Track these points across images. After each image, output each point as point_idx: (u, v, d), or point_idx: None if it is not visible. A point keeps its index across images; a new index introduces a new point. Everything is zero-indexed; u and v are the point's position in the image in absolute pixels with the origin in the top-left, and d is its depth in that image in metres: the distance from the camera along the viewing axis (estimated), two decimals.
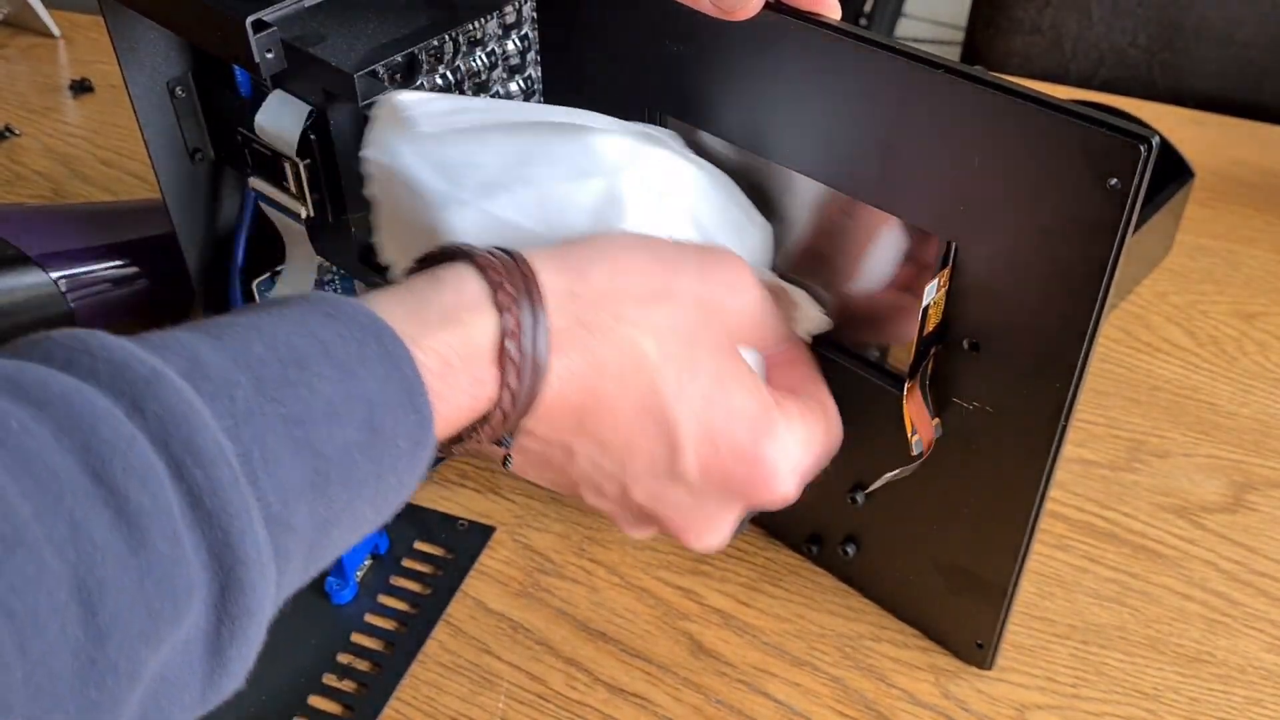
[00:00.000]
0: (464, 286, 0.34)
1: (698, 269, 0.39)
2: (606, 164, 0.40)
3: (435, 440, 0.33)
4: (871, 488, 0.44)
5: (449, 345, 0.33)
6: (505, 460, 0.39)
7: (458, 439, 0.36)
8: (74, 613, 0.24)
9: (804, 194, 0.44)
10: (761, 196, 0.45)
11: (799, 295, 0.44)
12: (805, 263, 0.45)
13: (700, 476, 0.39)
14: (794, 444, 0.41)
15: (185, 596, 0.26)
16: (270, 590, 0.29)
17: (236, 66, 0.50)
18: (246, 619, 0.28)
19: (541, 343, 0.34)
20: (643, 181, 0.40)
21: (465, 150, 0.40)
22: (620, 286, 0.36)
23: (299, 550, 0.30)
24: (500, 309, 0.34)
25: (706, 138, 0.45)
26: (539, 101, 0.51)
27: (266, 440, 0.29)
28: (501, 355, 0.34)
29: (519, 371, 0.34)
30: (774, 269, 0.46)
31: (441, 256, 0.37)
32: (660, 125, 0.46)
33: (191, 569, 0.27)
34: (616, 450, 0.38)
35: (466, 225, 0.40)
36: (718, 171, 0.43)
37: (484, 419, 0.35)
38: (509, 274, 0.35)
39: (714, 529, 0.42)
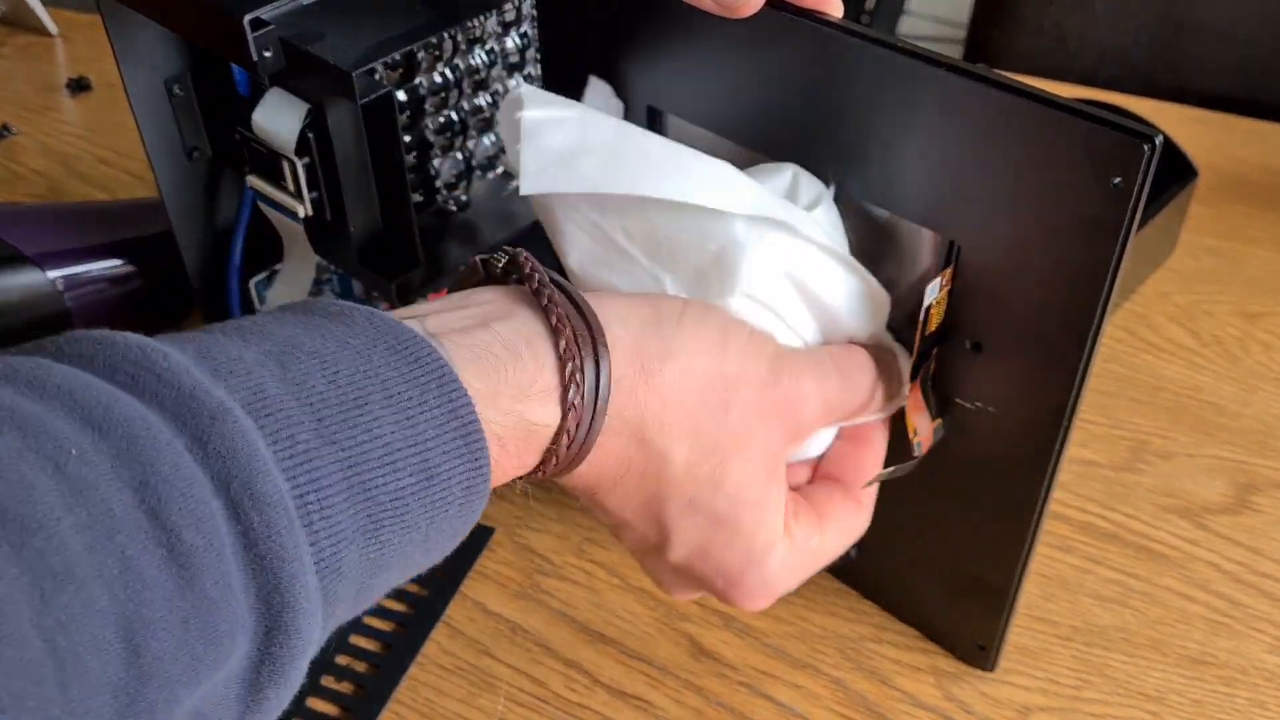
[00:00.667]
0: (540, 374, 0.34)
1: (761, 386, 0.39)
2: (734, 236, 0.39)
3: (489, 490, 0.33)
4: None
5: (507, 430, 0.34)
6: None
7: None
8: (118, 651, 0.24)
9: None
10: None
11: (905, 360, 0.43)
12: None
13: (682, 569, 0.41)
14: (783, 572, 0.41)
15: (229, 640, 0.26)
16: (315, 634, 0.29)
17: (234, 65, 0.50)
18: (288, 661, 0.28)
19: (590, 439, 0.36)
20: (762, 262, 0.39)
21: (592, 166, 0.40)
22: (680, 394, 0.37)
23: (347, 593, 0.30)
24: (565, 410, 0.34)
25: (709, 134, 0.45)
26: None
27: (323, 484, 0.28)
28: (553, 444, 0.35)
29: (558, 461, 0.35)
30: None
31: (514, 270, 0.37)
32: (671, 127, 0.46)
33: (238, 612, 0.26)
34: (611, 519, 0.40)
35: (576, 232, 0.41)
36: (840, 245, 0.43)
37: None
38: (583, 361, 0.35)
39: (691, 595, 0.44)
